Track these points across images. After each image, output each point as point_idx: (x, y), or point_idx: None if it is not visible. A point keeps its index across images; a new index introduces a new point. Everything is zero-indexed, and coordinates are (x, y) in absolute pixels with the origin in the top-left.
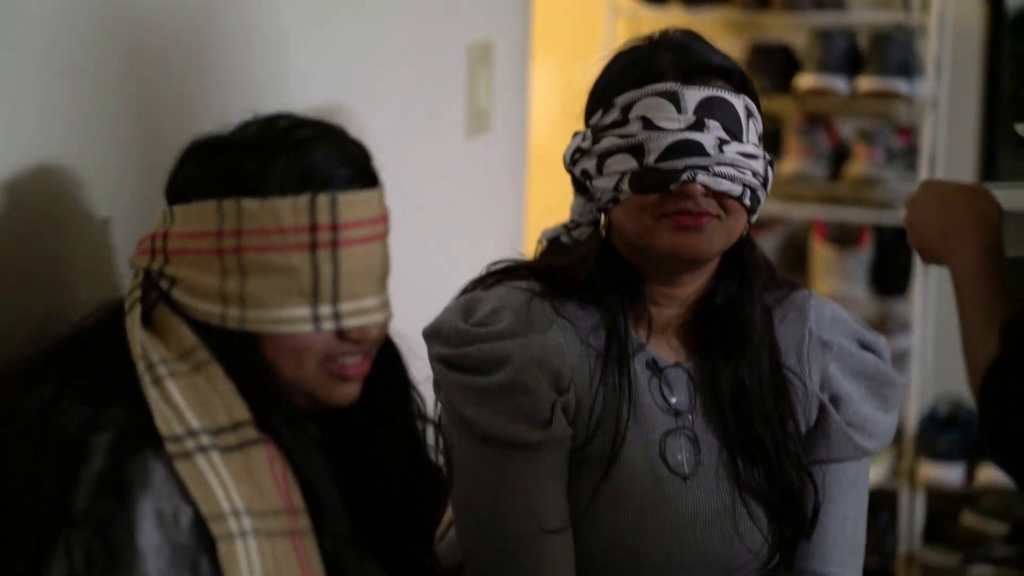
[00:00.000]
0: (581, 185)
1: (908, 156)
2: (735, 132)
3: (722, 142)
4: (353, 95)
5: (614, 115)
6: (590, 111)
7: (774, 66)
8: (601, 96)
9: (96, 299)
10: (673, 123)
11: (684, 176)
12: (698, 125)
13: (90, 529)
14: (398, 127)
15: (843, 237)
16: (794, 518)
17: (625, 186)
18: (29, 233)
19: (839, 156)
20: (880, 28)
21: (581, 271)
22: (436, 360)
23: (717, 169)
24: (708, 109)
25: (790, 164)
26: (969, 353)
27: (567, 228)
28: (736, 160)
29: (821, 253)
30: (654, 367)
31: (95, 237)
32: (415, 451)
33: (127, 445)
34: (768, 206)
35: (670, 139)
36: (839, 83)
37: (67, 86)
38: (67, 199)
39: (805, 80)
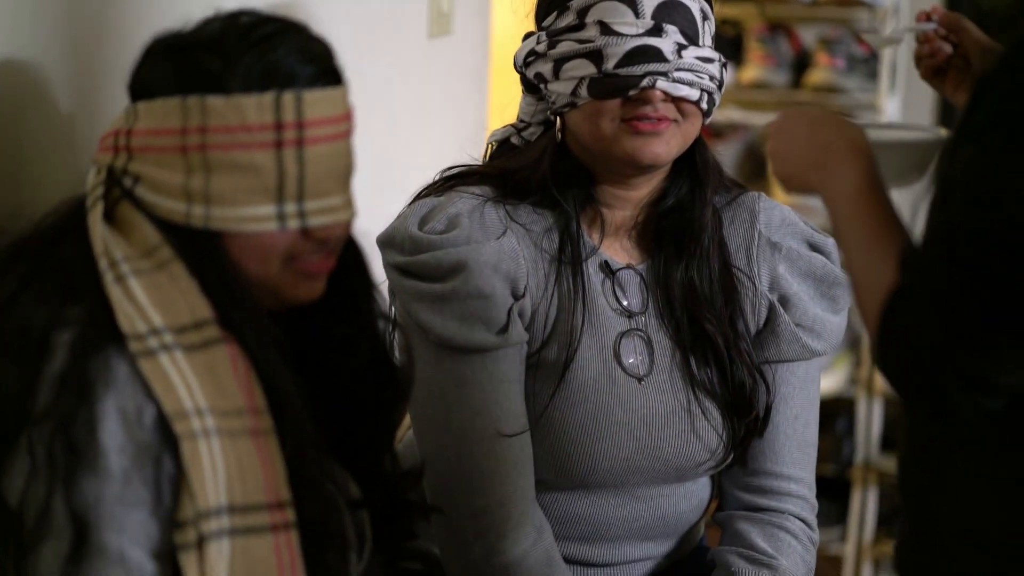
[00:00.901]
0: (532, 86)
1: (869, 64)
2: (692, 36)
3: (680, 47)
4: None
5: (569, 18)
6: (543, 12)
7: None
8: None
9: (58, 197)
10: (631, 28)
11: (644, 83)
12: (656, 30)
13: (52, 426)
14: (360, 26)
15: None
16: (746, 416)
17: (583, 92)
18: None
19: (800, 63)
20: None
21: (536, 173)
22: (391, 268)
23: (676, 75)
24: (666, 13)
25: (751, 71)
26: (860, 280)
27: (516, 129)
28: (694, 65)
29: None
30: (607, 269)
31: (58, 134)
32: (376, 349)
33: (89, 342)
34: (729, 113)
35: (629, 45)
36: None
37: None
38: (29, 95)
39: None
